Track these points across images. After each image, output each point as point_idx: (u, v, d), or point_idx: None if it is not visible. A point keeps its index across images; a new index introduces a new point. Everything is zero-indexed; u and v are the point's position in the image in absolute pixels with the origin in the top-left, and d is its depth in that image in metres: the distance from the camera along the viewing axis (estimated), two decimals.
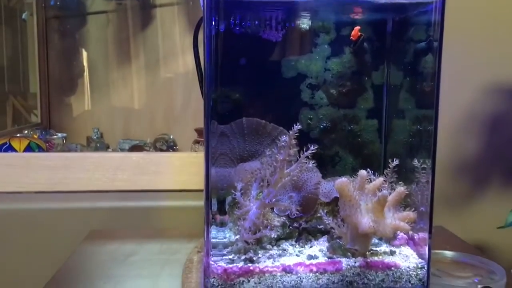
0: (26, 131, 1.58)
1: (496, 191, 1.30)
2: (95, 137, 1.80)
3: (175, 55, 1.97)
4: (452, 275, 0.80)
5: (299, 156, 0.64)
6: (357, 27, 0.74)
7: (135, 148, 1.59)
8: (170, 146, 1.60)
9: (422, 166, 0.67)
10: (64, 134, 1.66)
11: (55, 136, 1.57)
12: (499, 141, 1.28)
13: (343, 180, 0.63)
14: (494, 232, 1.11)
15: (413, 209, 0.67)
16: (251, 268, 0.61)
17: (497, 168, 1.30)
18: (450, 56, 1.24)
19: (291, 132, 0.63)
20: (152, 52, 2.01)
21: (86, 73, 2.05)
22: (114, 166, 1.23)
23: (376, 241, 0.70)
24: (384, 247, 0.69)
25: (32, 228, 1.12)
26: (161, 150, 1.59)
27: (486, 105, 1.27)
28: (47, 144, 1.50)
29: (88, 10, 2.06)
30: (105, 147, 1.73)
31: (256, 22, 0.75)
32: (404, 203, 0.69)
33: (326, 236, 0.71)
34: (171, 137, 1.67)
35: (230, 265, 0.61)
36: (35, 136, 1.50)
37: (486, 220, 1.20)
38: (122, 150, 1.63)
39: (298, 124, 0.63)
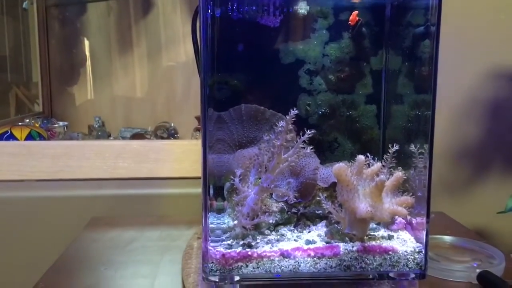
0: (27, 120, 1.58)
1: (497, 176, 1.30)
2: (96, 126, 1.80)
3: (176, 42, 1.96)
4: (451, 260, 0.80)
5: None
6: (355, 12, 0.73)
7: (136, 136, 1.60)
8: (171, 134, 1.60)
9: (420, 151, 0.67)
10: (66, 123, 1.66)
11: (56, 125, 1.58)
12: (500, 126, 1.27)
13: (341, 165, 0.63)
14: (494, 218, 1.11)
15: (411, 194, 0.67)
16: (249, 253, 0.62)
17: (498, 153, 1.29)
18: (451, 41, 1.24)
19: (287, 117, 0.63)
20: (153, 40, 2.00)
21: (88, 62, 2.05)
22: (115, 154, 1.23)
23: (374, 225, 0.71)
24: (382, 232, 0.69)
25: (33, 216, 1.13)
26: (162, 138, 1.59)
27: (488, 90, 1.26)
28: (49, 133, 1.51)
29: None
30: (107, 136, 1.73)
31: (254, 8, 0.74)
32: (402, 188, 0.69)
33: (324, 221, 0.71)
34: (172, 124, 1.67)
35: (229, 250, 0.62)
36: (37, 125, 1.51)
37: (487, 206, 1.21)
38: (123, 138, 1.64)
39: (295, 109, 0.63)
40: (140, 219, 1.07)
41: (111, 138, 1.71)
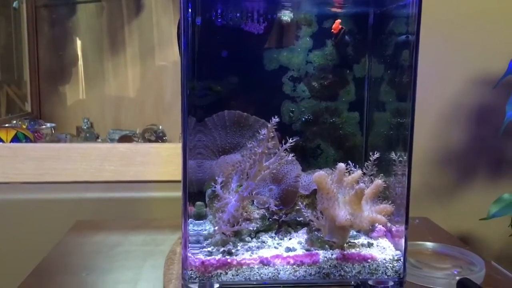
0: (14, 121, 1.57)
1: (481, 181, 1.31)
2: (85, 127, 1.79)
3: (166, 44, 1.96)
4: (432, 267, 0.81)
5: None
6: (338, 20, 0.74)
7: (124, 138, 1.59)
8: (159, 136, 1.60)
9: (400, 159, 0.68)
10: (53, 124, 1.65)
11: (43, 126, 1.57)
12: (485, 132, 1.29)
13: (321, 173, 0.64)
14: (479, 223, 1.13)
15: (390, 201, 0.67)
16: (229, 260, 0.62)
17: (483, 159, 1.31)
18: (437, 49, 1.25)
19: (269, 125, 0.63)
20: (143, 42, 2.00)
21: (78, 63, 2.04)
22: (101, 157, 1.23)
23: (355, 233, 0.71)
24: (362, 239, 0.70)
25: (18, 218, 1.12)
26: (150, 140, 1.58)
27: (472, 96, 1.28)
28: (36, 134, 1.50)
29: None
30: (95, 137, 1.72)
31: (238, 15, 0.75)
32: (384, 195, 0.69)
33: (305, 228, 0.71)
34: (160, 127, 1.66)
35: (208, 258, 0.62)
36: (24, 126, 1.50)
37: (472, 211, 1.22)
38: (111, 140, 1.63)
39: (276, 117, 0.63)
40: (125, 223, 1.07)
41: (99, 140, 1.71)
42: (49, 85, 2.04)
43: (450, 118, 1.29)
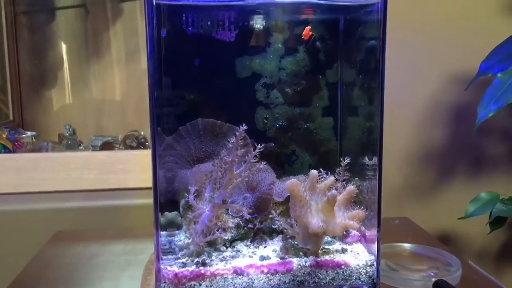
0: None
1: (461, 181, 1.32)
2: (67, 134, 1.77)
3: (145, 50, 1.94)
4: (409, 269, 0.81)
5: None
6: (308, 27, 0.74)
7: (106, 145, 1.58)
8: (140, 142, 1.59)
9: (373, 163, 0.68)
10: (34, 133, 1.63)
11: (24, 135, 1.55)
12: (464, 131, 1.30)
13: (293, 181, 0.64)
14: (459, 222, 1.14)
15: (363, 207, 0.67)
16: (202, 271, 0.62)
17: (463, 158, 1.32)
18: (414, 49, 1.26)
19: (237, 134, 0.63)
20: (125, 47, 1.99)
21: (62, 68, 2.03)
22: (81, 166, 1.22)
23: (329, 239, 0.71)
24: (337, 245, 0.70)
25: None
26: (131, 147, 1.57)
27: (451, 95, 1.29)
28: (16, 143, 1.48)
29: (57, 5, 2.03)
30: (77, 144, 1.71)
31: (209, 23, 0.75)
32: (358, 200, 0.70)
33: (280, 235, 0.71)
34: (142, 133, 1.65)
35: (182, 269, 0.62)
36: (3, 136, 1.48)
37: (452, 210, 1.23)
38: (94, 147, 1.62)
39: (244, 124, 0.63)
40: (105, 232, 1.06)
41: (81, 147, 1.69)
42: (30, 93, 2.02)
43: (430, 117, 1.30)
